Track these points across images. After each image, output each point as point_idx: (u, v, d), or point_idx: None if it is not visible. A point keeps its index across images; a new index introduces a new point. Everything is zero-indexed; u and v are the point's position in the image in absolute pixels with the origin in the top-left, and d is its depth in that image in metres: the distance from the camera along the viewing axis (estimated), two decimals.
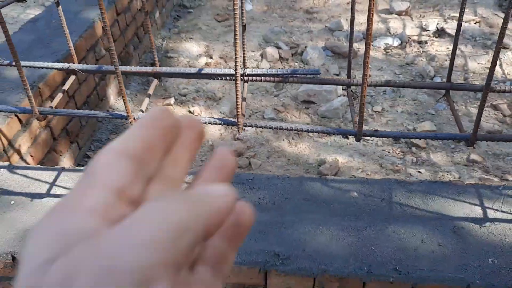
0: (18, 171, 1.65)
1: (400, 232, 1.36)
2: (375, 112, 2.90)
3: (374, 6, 1.15)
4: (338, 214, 1.42)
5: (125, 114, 1.14)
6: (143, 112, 1.30)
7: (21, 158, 2.04)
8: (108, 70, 1.32)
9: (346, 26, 3.79)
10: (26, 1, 2.39)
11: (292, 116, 2.93)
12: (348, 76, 1.41)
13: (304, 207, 1.45)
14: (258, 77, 1.29)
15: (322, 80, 1.34)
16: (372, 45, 3.55)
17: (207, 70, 1.29)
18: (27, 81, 1.11)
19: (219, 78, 1.30)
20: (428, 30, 3.65)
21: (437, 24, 3.65)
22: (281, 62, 3.44)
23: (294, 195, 1.49)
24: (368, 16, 0.99)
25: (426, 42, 3.52)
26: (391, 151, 2.58)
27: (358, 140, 1.13)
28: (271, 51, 3.46)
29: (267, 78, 1.30)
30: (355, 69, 3.31)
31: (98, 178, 0.25)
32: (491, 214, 1.42)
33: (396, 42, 3.52)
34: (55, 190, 1.55)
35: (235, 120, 1.17)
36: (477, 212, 1.42)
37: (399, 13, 3.90)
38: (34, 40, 2.50)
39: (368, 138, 2.69)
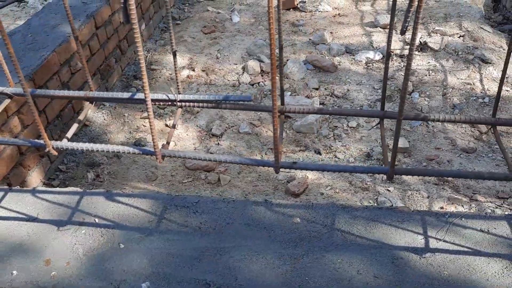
0: None
1: (337, 261, 1.35)
2: (350, 127, 2.88)
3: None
4: (277, 241, 1.41)
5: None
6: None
7: None
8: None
9: (329, 39, 3.78)
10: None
11: (268, 131, 2.92)
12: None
13: (244, 232, 1.44)
14: (192, 103, 1.29)
15: (253, 106, 1.33)
16: (354, 58, 3.54)
17: (140, 95, 1.28)
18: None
19: (155, 104, 1.30)
20: None
21: (421, 37, 3.63)
22: (261, 76, 3.43)
23: (236, 219, 1.48)
24: None
25: None
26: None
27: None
28: (252, 64, 3.46)
29: (201, 104, 1.30)
30: (334, 83, 3.30)
31: None
32: (433, 243, 1.40)
33: (378, 56, 3.51)
34: None
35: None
36: (419, 241, 1.41)
37: (383, 26, 3.89)
38: (6, 54, 2.52)
39: (333, 153, 2.67)
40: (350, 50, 3.64)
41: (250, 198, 1.80)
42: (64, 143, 1.22)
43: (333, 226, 1.44)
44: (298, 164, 1.12)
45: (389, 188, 2.41)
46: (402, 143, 2.67)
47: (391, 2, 4.35)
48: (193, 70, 3.56)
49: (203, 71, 3.55)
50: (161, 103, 1.30)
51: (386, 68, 1.36)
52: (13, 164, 2.25)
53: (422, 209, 1.65)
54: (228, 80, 3.43)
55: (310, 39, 3.85)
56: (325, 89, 3.24)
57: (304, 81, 3.34)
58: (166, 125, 3.00)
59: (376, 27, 3.92)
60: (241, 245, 1.39)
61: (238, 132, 2.90)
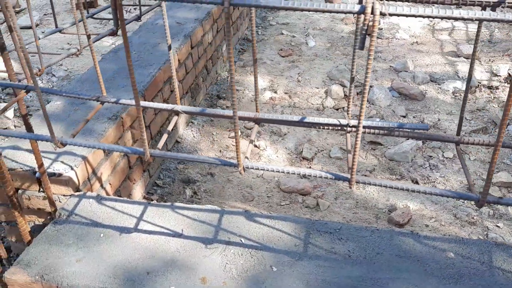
0: (106, 202, 1.69)
1: None
2: (446, 158, 2.81)
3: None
4: (435, 275, 1.36)
5: (233, 161, 1.15)
6: (247, 158, 1.31)
7: (101, 186, 2.10)
8: (212, 113, 1.35)
9: (411, 67, 3.74)
10: (118, 35, 2.51)
11: (359, 156, 2.88)
12: (458, 133, 1.37)
13: (397, 264, 1.40)
14: (365, 129, 1.28)
15: (431, 136, 1.31)
16: (440, 87, 3.49)
17: (310, 119, 1.28)
18: (143, 124, 1.15)
19: (324, 128, 1.29)
20: (499, 75, 3.54)
21: (509, 69, 3.55)
22: (345, 100, 3.42)
23: (385, 249, 1.44)
24: None
25: (497, 88, 3.42)
26: (465, 202, 2.48)
27: (480, 207, 1.08)
28: (336, 89, 3.45)
29: (371, 130, 1.28)
30: (423, 112, 3.25)
31: None
32: None
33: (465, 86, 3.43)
34: (142, 225, 1.57)
35: (347, 175, 1.14)
36: None
37: (467, 57, 3.82)
38: (116, 70, 2.61)
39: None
40: (435, 79, 3.58)
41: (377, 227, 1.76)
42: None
43: (491, 264, 1.38)
44: (503, 199, 1.08)
45: (498, 224, 2.32)
46: (505, 177, 2.58)
47: (469, 33, 4.30)
48: (276, 93, 3.59)
49: (286, 93, 3.57)
50: (330, 127, 1.30)
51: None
52: (124, 177, 2.30)
53: None
54: (312, 104, 3.43)
55: (391, 66, 3.83)
56: (414, 117, 3.19)
57: (391, 108, 3.30)
58: (255, 146, 3.02)
59: (459, 56, 3.86)
60: (398, 277, 1.35)
61: (329, 157, 2.88)
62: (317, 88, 3.60)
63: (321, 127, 1.29)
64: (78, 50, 1.96)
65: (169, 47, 1.35)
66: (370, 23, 0.90)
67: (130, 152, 1.21)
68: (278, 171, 1.14)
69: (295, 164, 2.85)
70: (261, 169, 1.16)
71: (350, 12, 0.89)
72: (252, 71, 3.87)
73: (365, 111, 3.28)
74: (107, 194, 2.14)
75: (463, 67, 3.70)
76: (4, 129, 2.99)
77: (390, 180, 2.67)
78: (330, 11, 0.89)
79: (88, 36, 1.37)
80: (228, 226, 1.54)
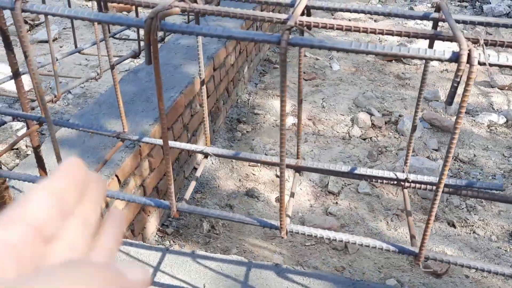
0: (120, 247, 1.52)
1: None
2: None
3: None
4: None
5: (275, 223, 0.97)
6: (289, 217, 1.13)
7: None
8: (248, 158, 1.18)
9: (443, 96, 3.55)
10: (140, 58, 2.38)
11: (388, 193, 2.68)
12: None
13: None
14: (423, 185, 1.10)
15: (501, 197, 1.12)
16: (474, 120, 3.29)
17: (361, 170, 1.11)
18: (171, 175, 0.98)
19: (378, 181, 1.11)
20: None
21: None
22: (373, 130, 3.24)
23: None
24: None
25: None
26: (508, 250, 2.26)
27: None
28: (363, 117, 3.28)
29: (433, 187, 1.10)
30: (457, 146, 3.05)
31: (22, 212, 0.28)
32: None
33: (502, 120, 3.23)
34: (159, 277, 1.39)
35: (414, 249, 0.95)
36: None
37: (501, 87, 3.63)
38: (136, 93, 2.46)
39: (476, 229, 2.39)
40: (468, 110, 3.39)
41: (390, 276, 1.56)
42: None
43: None
44: None
45: None
46: None
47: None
48: None
49: (309, 119, 3.40)
50: (384, 181, 1.12)
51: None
52: (138, 210, 2.13)
53: None
54: (338, 132, 3.25)
55: None
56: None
57: (422, 140, 3.11)
58: (277, 176, 2.84)
59: (493, 87, 3.66)
60: None
61: (357, 192, 2.69)
62: (343, 115, 3.42)
63: (374, 180, 1.11)
64: (98, 74, 1.82)
65: (202, 83, 1.18)
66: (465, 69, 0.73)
67: (154, 204, 1.04)
68: (329, 238, 0.96)
69: (320, 199, 2.65)
70: (308, 234, 0.98)
71: (439, 60, 0.72)
72: (274, 94, 3.72)
73: (395, 143, 3.10)
74: None
75: (497, 99, 3.51)
76: (15, 149, 2.85)
77: (423, 221, 2.47)
78: (413, 57, 0.72)
79: (112, 65, 1.21)
80: (257, 284, 1.35)
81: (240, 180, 2.80)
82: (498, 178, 2.74)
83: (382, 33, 0.80)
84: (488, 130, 3.20)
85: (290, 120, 3.39)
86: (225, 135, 3.21)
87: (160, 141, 1.18)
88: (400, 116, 3.34)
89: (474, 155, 2.93)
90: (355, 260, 2.22)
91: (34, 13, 1.47)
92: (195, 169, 2.83)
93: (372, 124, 3.28)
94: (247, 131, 3.26)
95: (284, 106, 0.80)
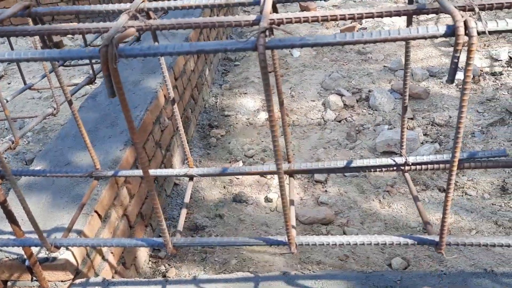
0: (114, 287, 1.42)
1: None
2: None
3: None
4: None
5: (282, 239, 0.89)
6: (295, 229, 1.05)
7: (103, 258, 1.82)
8: (237, 172, 1.10)
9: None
10: (96, 83, 2.24)
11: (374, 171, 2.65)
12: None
13: None
14: (423, 165, 1.05)
15: (506, 162, 1.08)
16: (442, 82, 3.30)
17: (358, 163, 1.05)
18: (160, 211, 0.89)
19: (378, 170, 1.06)
20: (500, 60, 3.38)
21: (509, 52, 3.39)
22: (346, 110, 3.20)
23: None
24: None
25: (501, 74, 3.25)
26: (503, 204, 2.27)
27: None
28: (334, 99, 3.24)
29: (434, 166, 1.05)
30: (431, 111, 3.05)
31: None
32: None
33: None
34: None
35: (434, 238, 0.89)
36: None
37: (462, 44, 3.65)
38: (98, 119, 2.33)
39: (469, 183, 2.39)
40: (434, 73, 3.40)
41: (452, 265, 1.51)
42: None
43: None
44: None
45: None
46: None
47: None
48: None
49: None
50: (383, 169, 1.06)
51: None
52: None
53: None
54: (312, 119, 3.20)
55: (385, 66, 3.63)
56: (423, 118, 2.99)
57: (396, 111, 3.09)
58: (261, 175, 2.76)
59: (452, 46, 3.68)
60: None
61: (343, 176, 2.65)
62: (313, 101, 3.38)
63: (372, 170, 1.05)
64: (55, 109, 1.69)
65: (173, 101, 1.09)
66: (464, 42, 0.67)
67: (147, 245, 0.95)
68: (342, 244, 0.89)
69: (309, 190, 2.60)
70: (319, 244, 0.91)
71: (433, 37, 0.66)
72: (241, 92, 3.63)
73: (370, 119, 3.07)
74: (111, 266, 1.86)
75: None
76: None
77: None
78: (405, 38, 0.65)
79: (69, 100, 1.10)
80: None
81: (224, 187, 2.71)
82: (477, 135, 2.75)
83: (362, 17, 0.73)
84: (458, 89, 3.22)
85: (263, 116, 3.31)
86: (200, 143, 3.10)
87: (139, 172, 1.08)
88: (369, 91, 3.32)
89: (450, 117, 2.93)
90: (357, 245, 2.17)
91: None
92: (176, 184, 2.72)
93: (344, 104, 3.24)
94: (221, 135, 3.16)
95: (273, 115, 0.73)
